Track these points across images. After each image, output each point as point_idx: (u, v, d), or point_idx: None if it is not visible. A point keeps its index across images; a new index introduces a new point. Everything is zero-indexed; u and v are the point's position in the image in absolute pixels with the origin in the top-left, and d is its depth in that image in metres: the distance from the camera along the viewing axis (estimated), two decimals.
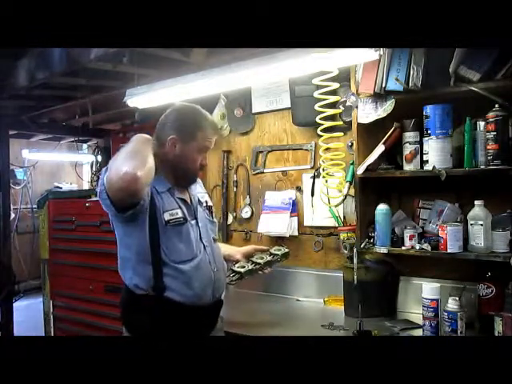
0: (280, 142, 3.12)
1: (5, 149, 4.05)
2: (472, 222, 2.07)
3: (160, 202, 1.83)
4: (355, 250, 2.38)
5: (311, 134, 2.90)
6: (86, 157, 5.83)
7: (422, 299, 2.12)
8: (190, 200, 1.97)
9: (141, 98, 2.72)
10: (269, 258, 2.35)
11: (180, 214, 1.85)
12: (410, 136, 2.26)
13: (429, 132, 2.17)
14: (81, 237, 3.63)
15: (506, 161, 1.97)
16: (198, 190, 2.07)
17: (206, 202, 2.07)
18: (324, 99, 2.32)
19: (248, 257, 2.33)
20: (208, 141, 1.92)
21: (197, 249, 1.88)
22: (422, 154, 2.22)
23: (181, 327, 1.80)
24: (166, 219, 1.81)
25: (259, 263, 2.31)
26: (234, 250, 2.36)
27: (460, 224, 2.12)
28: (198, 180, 2.10)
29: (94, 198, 3.95)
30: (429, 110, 2.17)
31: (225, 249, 2.29)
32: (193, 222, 1.92)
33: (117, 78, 3.18)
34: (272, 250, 2.41)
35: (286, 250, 2.45)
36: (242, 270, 2.25)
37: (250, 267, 2.28)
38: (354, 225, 2.45)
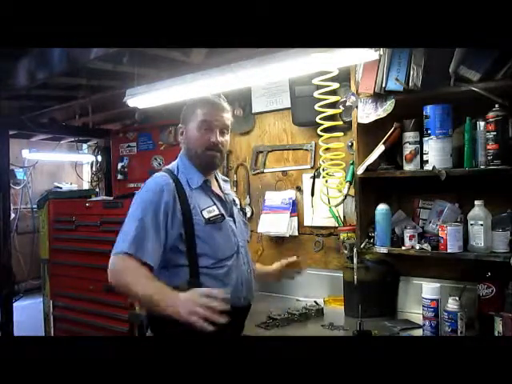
0: (280, 142, 3.11)
1: (5, 149, 4.04)
2: (472, 222, 2.07)
3: (195, 200, 1.81)
4: (355, 250, 2.38)
5: (311, 133, 2.90)
6: (85, 157, 5.81)
7: (422, 299, 2.12)
8: (225, 198, 1.95)
9: (141, 98, 2.73)
10: (304, 311, 2.47)
11: (217, 211, 1.84)
12: (410, 136, 2.26)
13: (429, 132, 2.17)
14: (81, 237, 3.63)
15: (506, 161, 1.97)
16: (231, 193, 2.07)
17: (240, 204, 2.07)
18: (324, 99, 2.32)
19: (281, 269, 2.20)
20: (209, 116, 1.86)
21: (235, 246, 1.87)
22: (422, 154, 2.22)
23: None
24: (206, 217, 1.79)
25: (294, 314, 2.43)
26: (266, 267, 2.21)
27: (460, 224, 2.12)
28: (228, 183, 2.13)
29: (93, 198, 3.95)
30: (429, 110, 2.17)
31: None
32: (229, 218, 1.90)
33: (117, 78, 3.18)
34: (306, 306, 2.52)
35: (321, 307, 2.53)
36: (278, 317, 2.37)
37: (286, 316, 2.41)
38: (354, 225, 2.45)
